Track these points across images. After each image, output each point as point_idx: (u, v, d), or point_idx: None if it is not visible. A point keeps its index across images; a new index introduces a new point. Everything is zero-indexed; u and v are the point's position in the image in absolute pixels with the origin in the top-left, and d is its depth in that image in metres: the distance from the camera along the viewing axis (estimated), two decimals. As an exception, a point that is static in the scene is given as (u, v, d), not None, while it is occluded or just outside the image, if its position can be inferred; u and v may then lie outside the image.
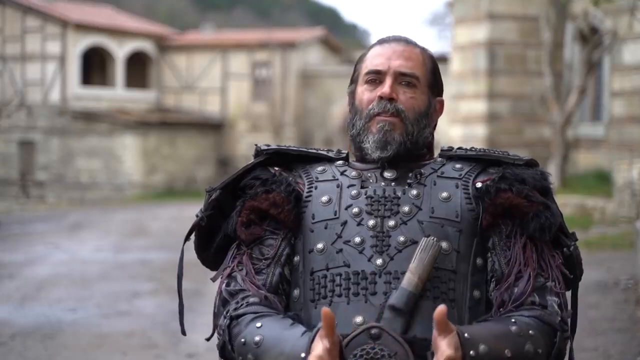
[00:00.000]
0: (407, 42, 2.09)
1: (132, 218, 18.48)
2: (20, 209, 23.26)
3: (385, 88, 2.01)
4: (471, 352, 1.74)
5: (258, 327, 1.89)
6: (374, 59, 2.06)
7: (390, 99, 2.01)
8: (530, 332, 1.84)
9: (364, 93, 2.05)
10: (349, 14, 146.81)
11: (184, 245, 2.10)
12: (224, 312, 1.97)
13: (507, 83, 19.42)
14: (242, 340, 1.89)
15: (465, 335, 1.75)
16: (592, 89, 18.15)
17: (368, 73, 2.05)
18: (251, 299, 1.96)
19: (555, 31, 16.90)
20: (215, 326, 2.00)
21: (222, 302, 1.99)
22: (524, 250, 1.94)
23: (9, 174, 28.71)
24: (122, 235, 14.96)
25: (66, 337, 7.04)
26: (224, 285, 2.00)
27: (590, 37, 17.23)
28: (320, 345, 1.73)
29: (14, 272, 10.50)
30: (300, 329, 1.86)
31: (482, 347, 1.76)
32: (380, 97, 2.01)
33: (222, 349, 1.97)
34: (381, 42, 2.10)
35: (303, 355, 1.77)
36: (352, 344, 1.81)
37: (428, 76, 2.07)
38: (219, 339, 1.98)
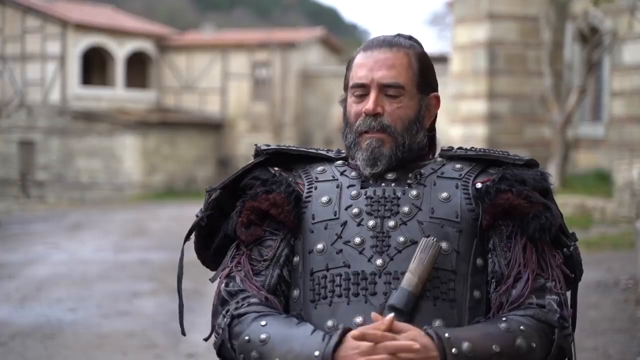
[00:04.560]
0: (390, 46, 2.03)
1: (132, 218, 18.48)
2: (20, 209, 23.26)
3: (369, 104, 1.99)
4: (453, 349, 1.75)
5: (263, 325, 1.88)
6: (358, 71, 2.03)
7: (375, 114, 1.99)
8: (521, 327, 1.84)
9: (352, 106, 2.04)
10: (349, 14, 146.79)
11: (184, 245, 2.10)
12: (223, 311, 1.96)
13: (507, 83, 19.43)
14: (246, 338, 1.88)
15: (446, 335, 1.76)
16: (592, 89, 18.15)
17: (353, 87, 2.03)
18: (252, 299, 1.95)
19: (555, 31, 16.90)
20: (213, 326, 1.99)
21: (221, 301, 1.98)
22: (524, 252, 1.94)
23: (9, 174, 28.71)
24: (122, 235, 14.96)
25: (66, 337, 7.04)
26: (222, 285, 2.00)
27: (590, 37, 17.23)
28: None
29: (14, 272, 10.50)
30: (309, 327, 1.86)
31: (465, 345, 1.76)
32: (365, 114, 2.00)
33: (220, 348, 1.96)
34: (365, 48, 2.05)
35: (317, 353, 1.77)
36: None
37: (416, 79, 2.03)
38: (216, 338, 1.97)
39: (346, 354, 1.76)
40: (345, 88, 2.08)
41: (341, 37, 43.04)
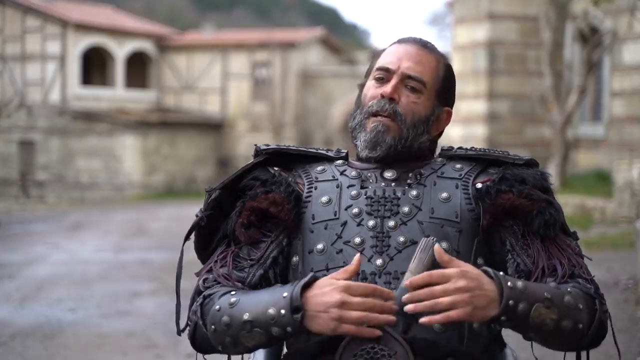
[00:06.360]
0: (424, 46, 2.08)
1: (132, 218, 18.48)
2: (20, 209, 23.26)
3: (388, 87, 2.02)
4: (509, 283, 1.76)
5: (232, 294, 1.90)
6: (387, 57, 2.07)
7: (391, 99, 2.01)
8: (569, 289, 1.85)
9: (370, 89, 2.07)
10: (349, 14, 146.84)
11: (183, 245, 2.10)
12: (198, 299, 1.97)
13: (507, 83, 19.43)
14: (217, 307, 1.89)
15: (501, 273, 1.79)
16: (592, 89, 18.15)
17: (378, 69, 2.07)
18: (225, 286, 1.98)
19: (555, 31, 16.89)
20: (189, 317, 1.99)
21: (198, 294, 1.99)
22: (544, 245, 1.95)
23: (9, 174, 28.71)
24: (122, 235, 14.96)
25: (66, 337, 7.04)
26: (201, 280, 2.01)
27: (590, 37, 17.23)
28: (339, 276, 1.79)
29: (14, 272, 10.50)
30: (277, 285, 1.89)
31: (519, 283, 1.78)
32: (382, 96, 2.02)
33: (193, 333, 1.95)
34: (400, 41, 2.11)
35: (285, 294, 1.78)
36: (352, 344, 1.81)
37: (438, 84, 2.06)
38: (190, 325, 1.96)
39: (320, 290, 1.76)
40: (367, 75, 2.12)
41: (341, 37, 43.07)
